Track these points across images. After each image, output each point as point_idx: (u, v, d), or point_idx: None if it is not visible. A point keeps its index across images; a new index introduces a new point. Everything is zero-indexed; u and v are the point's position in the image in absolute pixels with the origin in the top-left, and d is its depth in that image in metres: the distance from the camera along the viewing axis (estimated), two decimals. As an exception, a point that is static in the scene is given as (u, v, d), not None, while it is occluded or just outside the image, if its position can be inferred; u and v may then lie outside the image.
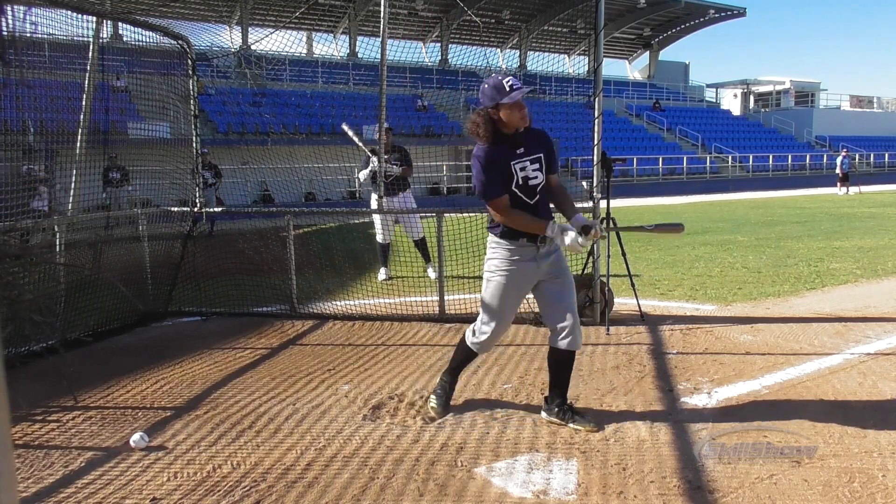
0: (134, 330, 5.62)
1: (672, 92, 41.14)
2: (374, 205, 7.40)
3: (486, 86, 3.08)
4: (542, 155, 3.20)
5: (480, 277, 3.42)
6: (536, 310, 5.38)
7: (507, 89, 3.01)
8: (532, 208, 3.17)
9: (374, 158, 7.17)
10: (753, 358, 4.37)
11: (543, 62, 36.53)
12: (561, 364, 3.34)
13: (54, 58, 5.71)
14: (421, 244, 7.56)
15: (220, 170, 13.31)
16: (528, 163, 3.15)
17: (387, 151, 7.23)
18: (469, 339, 3.44)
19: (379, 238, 7.61)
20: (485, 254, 3.39)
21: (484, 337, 3.36)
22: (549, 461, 2.93)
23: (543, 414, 3.39)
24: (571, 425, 3.26)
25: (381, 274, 7.56)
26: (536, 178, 3.18)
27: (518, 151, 3.14)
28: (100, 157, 5.53)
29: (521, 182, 3.14)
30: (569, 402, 3.38)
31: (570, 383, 3.51)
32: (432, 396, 3.59)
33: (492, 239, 3.28)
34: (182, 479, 2.84)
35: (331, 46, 33.91)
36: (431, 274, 7.33)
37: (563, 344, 3.24)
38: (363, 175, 7.47)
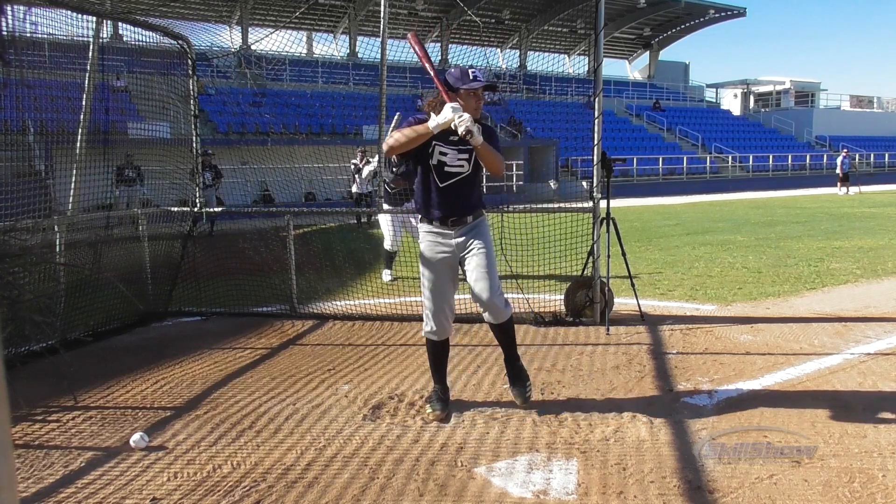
0: (134, 330, 5.62)
1: (672, 92, 41.13)
2: (385, 208, 7.43)
3: (452, 71, 3.32)
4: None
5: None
6: (536, 309, 5.42)
7: (471, 78, 3.25)
8: (440, 191, 3.34)
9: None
10: (753, 358, 4.37)
11: (543, 62, 36.59)
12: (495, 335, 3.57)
13: (54, 58, 5.71)
14: None
15: (221, 170, 13.33)
16: (455, 152, 3.31)
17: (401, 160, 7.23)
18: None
19: (387, 245, 7.59)
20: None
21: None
22: (549, 461, 2.93)
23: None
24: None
25: (386, 275, 7.55)
26: (460, 167, 3.33)
27: (451, 138, 3.27)
28: (99, 157, 5.53)
29: (436, 163, 3.33)
30: (517, 367, 3.55)
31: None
32: (428, 405, 3.57)
33: None
34: (182, 479, 2.84)
35: (331, 46, 33.94)
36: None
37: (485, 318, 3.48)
38: (366, 171, 7.45)
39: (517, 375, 3.55)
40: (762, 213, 16.25)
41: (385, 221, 7.57)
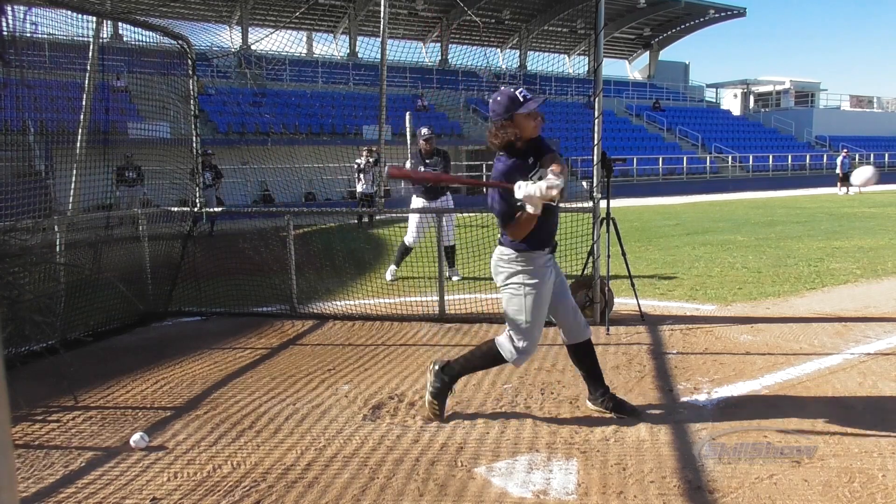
0: (134, 330, 5.62)
1: (672, 92, 41.13)
2: (414, 204, 7.46)
3: (499, 98, 3.12)
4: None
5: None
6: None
7: (521, 100, 3.09)
8: (541, 222, 3.05)
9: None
10: (753, 358, 4.37)
11: (543, 62, 36.55)
12: (589, 355, 3.46)
13: (54, 58, 5.71)
14: (450, 250, 7.31)
15: (221, 170, 13.35)
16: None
17: (429, 156, 7.38)
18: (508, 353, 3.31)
19: (408, 239, 7.48)
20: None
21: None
22: (549, 461, 2.93)
23: (589, 403, 3.48)
24: (615, 415, 3.37)
25: (389, 274, 7.54)
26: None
27: (530, 161, 3.11)
28: (99, 157, 5.53)
29: None
30: (611, 390, 3.47)
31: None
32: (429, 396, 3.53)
33: (512, 253, 3.20)
34: (182, 479, 2.84)
35: (331, 46, 33.97)
36: (454, 277, 7.29)
37: (585, 335, 3.39)
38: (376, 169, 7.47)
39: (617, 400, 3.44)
40: (762, 213, 16.25)
41: (414, 216, 7.48)
